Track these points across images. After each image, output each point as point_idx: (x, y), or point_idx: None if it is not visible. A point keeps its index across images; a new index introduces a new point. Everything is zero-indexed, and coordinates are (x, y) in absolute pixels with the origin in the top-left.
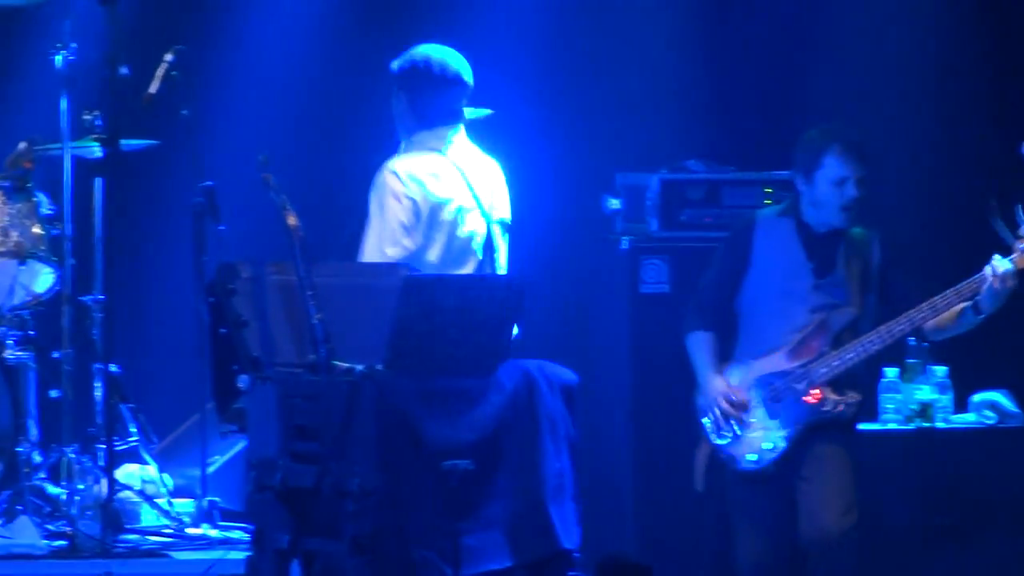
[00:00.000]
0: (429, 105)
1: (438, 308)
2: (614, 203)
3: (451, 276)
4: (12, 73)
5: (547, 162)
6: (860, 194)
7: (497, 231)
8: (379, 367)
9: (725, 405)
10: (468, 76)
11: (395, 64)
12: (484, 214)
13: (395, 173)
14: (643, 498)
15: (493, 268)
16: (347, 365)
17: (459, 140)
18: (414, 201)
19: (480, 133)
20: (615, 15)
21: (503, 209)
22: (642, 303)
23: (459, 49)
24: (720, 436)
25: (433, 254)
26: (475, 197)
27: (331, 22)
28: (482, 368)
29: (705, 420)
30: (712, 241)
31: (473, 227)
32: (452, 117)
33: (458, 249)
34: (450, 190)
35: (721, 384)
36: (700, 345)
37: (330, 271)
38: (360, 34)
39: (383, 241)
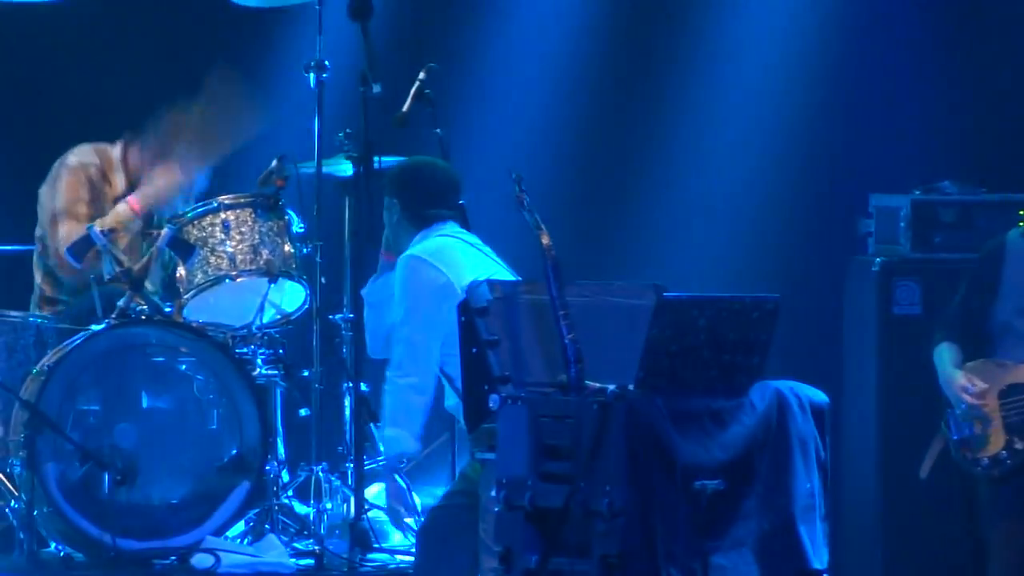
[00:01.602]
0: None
1: (691, 328)
2: (867, 224)
3: (704, 296)
4: (267, 89)
5: (801, 182)
6: None
7: None
8: (630, 387)
9: (966, 397)
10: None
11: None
12: None
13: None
14: (892, 519)
15: None
16: (598, 385)
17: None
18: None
19: (734, 153)
20: (870, 35)
21: None
22: (894, 324)
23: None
24: (958, 432)
25: None
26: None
27: (583, 39)
28: (734, 388)
29: (948, 413)
30: (965, 263)
31: None
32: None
33: None
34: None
35: (962, 378)
36: (945, 351)
37: (583, 290)
38: (613, 50)
39: None
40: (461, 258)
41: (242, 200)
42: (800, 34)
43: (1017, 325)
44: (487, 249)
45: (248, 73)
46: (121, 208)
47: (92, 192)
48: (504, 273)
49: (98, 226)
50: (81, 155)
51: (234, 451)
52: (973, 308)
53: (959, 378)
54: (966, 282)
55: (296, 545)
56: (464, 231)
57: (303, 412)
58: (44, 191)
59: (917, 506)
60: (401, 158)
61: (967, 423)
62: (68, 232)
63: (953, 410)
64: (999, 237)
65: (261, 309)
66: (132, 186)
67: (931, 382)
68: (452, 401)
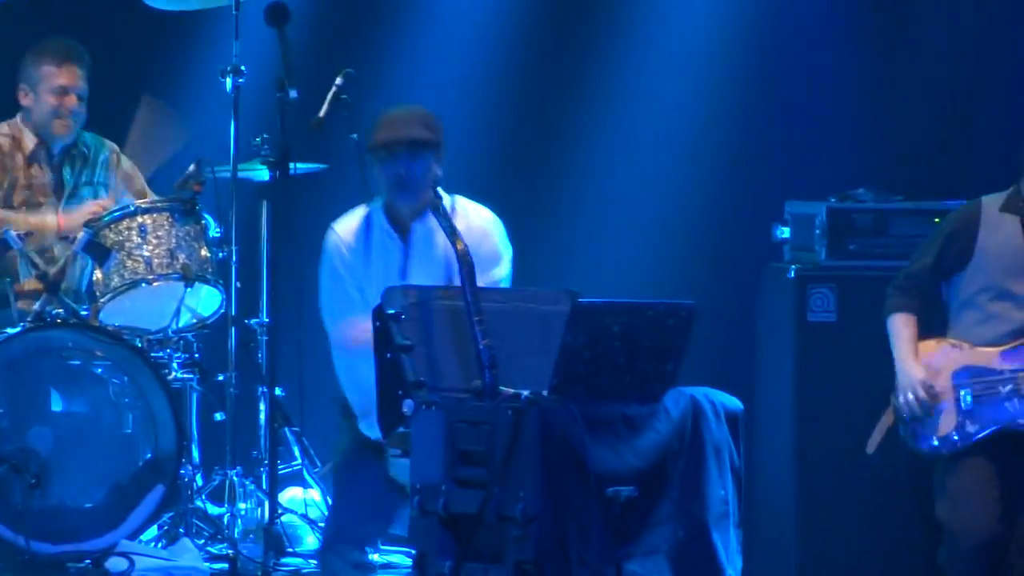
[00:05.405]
0: None
1: (605, 334)
2: (782, 231)
3: (619, 303)
4: (182, 94)
5: (717, 188)
6: None
7: None
8: (545, 393)
9: (921, 393)
10: None
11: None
12: None
13: None
14: (806, 527)
15: None
16: (513, 391)
17: None
18: None
19: (650, 159)
20: (784, 43)
21: None
22: (809, 332)
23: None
24: (908, 411)
25: None
26: None
27: (500, 49)
28: (648, 395)
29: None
30: (880, 270)
31: None
32: None
33: None
34: None
35: (919, 372)
36: (902, 327)
37: (497, 296)
38: (529, 57)
39: None
40: None
41: (159, 204)
42: (715, 41)
43: (980, 303)
44: None
45: (164, 77)
46: (49, 220)
47: (2, 160)
48: None
49: (15, 229)
50: None
51: (149, 455)
52: (937, 276)
53: (918, 372)
54: (936, 245)
55: (210, 549)
56: None
57: (218, 416)
58: None
59: (832, 513)
60: (318, 166)
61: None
62: None
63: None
64: (973, 202)
65: (177, 313)
66: (40, 139)
67: (847, 389)
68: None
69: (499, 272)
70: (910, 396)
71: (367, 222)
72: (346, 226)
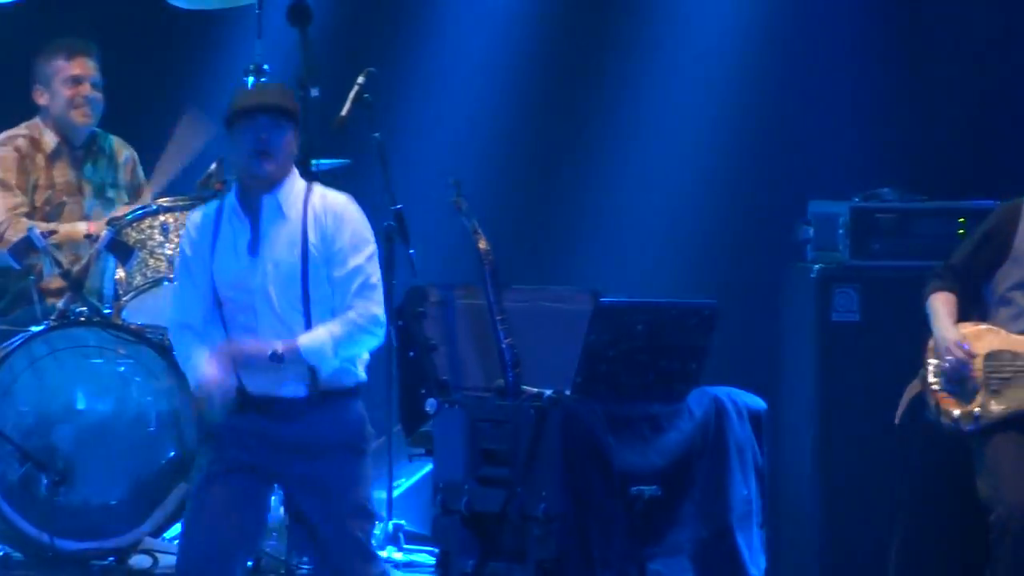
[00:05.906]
0: None
1: (628, 334)
2: (806, 231)
3: (642, 302)
4: (205, 93)
5: (740, 188)
6: None
7: None
8: (568, 392)
9: (957, 352)
10: None
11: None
12: None
13: None
14: (829, 526)
15: None
16: (535, 390)
17: None
18: None
19: (673, 158)
20: (808, 41)
21: None
22: (832, 331)
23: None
24: (937, 379)
25: None
26: None
27: (521, 47)
28: (671, 394)
29: (930, 363)
30: (904, 270)
31: None
32: None
33: None
34: None
35: (955, 334)
36: (940, 304)
37: (520, 295)
38: (551, 56)
39: None
40: None
41: (181, 203)
42: (738, 40)
43: (1016, 298)
44: None
45: (186, 76)
46: (80, 227)
47: (21, 162)
48: None
49: (41, 230)
50: (8, 132)
51: (172, 453)
52: (976, 267)
53: (953, 333)
54: (975, 240)
55: None
56: None
57: None
58: None
59: (855, 512)
60: (340, 161)
61: (947, 376)
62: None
63: (932, 362)
64: (1015, 200)
65: None
66: (62, 135)
67: (870, 389)
68: None
69: (358, 259)
70: (947, 357)
71: (220, 205)
72: (199, 213)
